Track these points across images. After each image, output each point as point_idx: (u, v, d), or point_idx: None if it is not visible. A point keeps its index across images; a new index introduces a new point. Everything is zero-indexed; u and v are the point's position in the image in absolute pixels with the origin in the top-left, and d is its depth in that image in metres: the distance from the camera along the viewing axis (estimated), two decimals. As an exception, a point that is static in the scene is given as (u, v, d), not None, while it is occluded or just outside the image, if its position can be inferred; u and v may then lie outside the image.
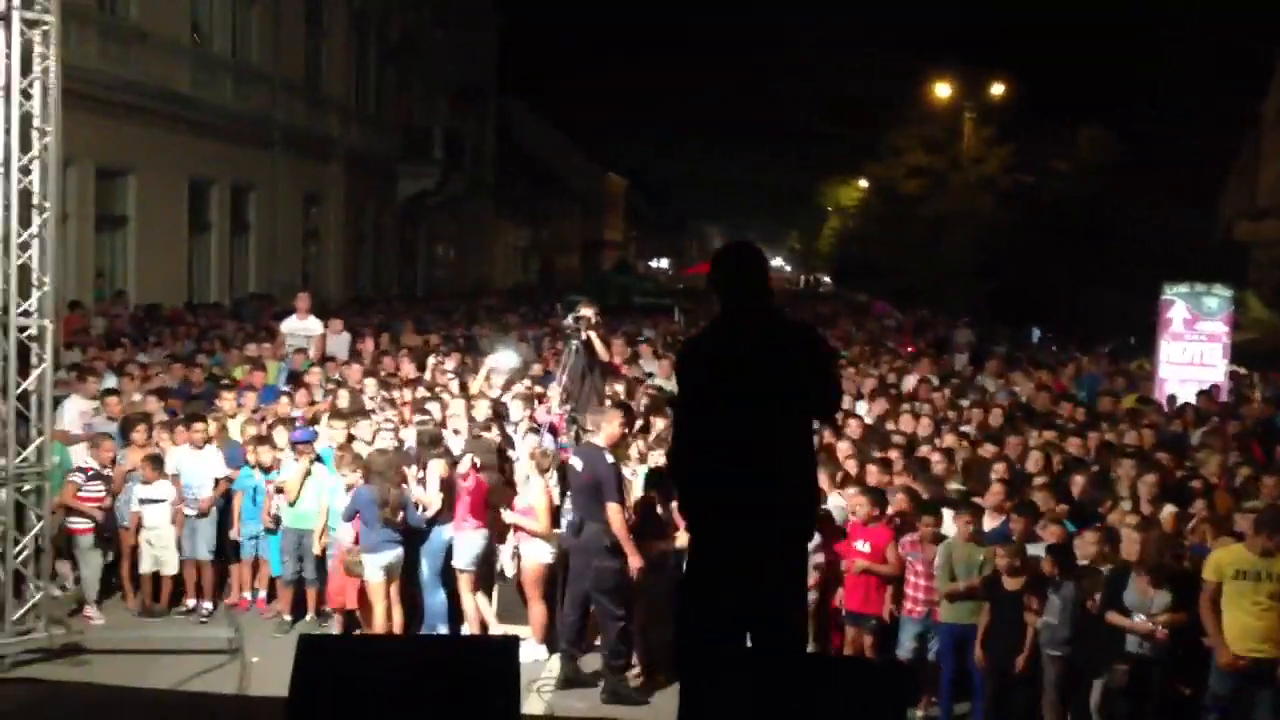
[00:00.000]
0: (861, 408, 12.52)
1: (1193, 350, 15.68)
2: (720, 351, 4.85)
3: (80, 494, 9.60)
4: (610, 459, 8.53)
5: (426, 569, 9.38)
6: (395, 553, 9.01)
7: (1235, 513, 8.35)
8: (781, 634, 4.94)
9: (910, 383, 14.53)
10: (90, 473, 9.69)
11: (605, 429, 8.66)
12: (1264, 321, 24.99)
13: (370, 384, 12.24)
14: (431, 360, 14.06)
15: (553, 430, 11.11)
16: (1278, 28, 39.90)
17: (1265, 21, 37.74)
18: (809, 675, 4.61)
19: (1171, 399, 14.56)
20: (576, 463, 8.62)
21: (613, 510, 8.31)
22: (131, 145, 19.35)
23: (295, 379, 12.69)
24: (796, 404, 4.93)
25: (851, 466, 9.68)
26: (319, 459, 9.85)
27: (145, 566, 9.85)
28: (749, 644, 4.96)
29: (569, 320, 10.96)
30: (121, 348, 13.77)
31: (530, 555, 9.16)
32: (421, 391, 11.96)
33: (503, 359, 12.67)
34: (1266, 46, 41.32)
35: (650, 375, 13.79)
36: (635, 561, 8.36)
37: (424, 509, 9.27)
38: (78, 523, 9.61)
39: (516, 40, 47.37)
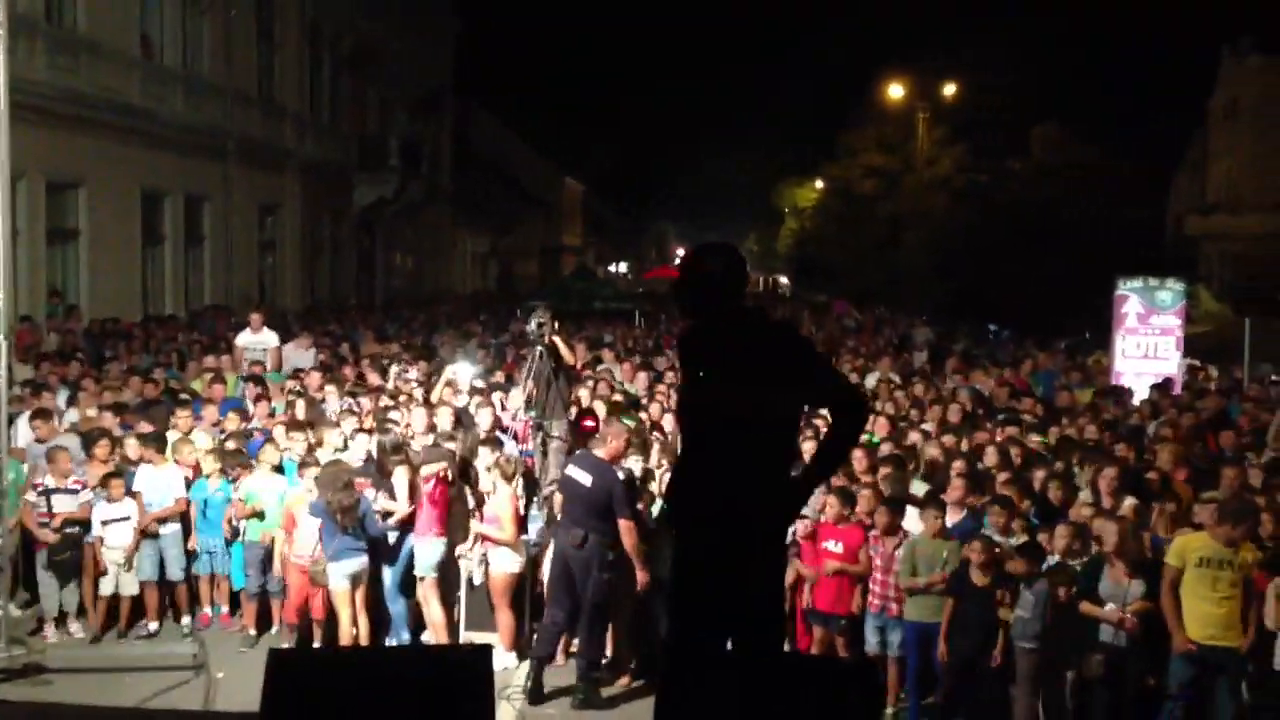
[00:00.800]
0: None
1: (1147, 344, 15.89)
2: (715, 352, 4.85)
3: (43, 511, 9.46)
4: (621, 474, 8.60)
5: (389, 577, 9.33)
6: (359, 561, 8.95)
7: (1194, 504, 8.49)
8: (765, 635, 4.97)
9: (871, 381, 14.63)
10: (40, 488, 9.53)
11: (610, 444, 8.66)
12: (1215, 314, 25.39)
13: (332, 393, 12.18)
14: (394, 369, 14.02)
15: (516, 437, 11.10)
16: (1224, 26, 40.66)
17: (1211, 20, 38.43)
18: (785, 676, 4.63)
19: (1129, 392, 14.74)
20: (581, 475, 8.56)
21: (626, 526, 8.39)
22: (82, 157, 19.10)
23: (259, 383, 12.59)
24: (787, 401, 4.97)
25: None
26: (280, 470, 9.77)
27: (106, 588, 9.67)
28: (731, 644, 4.98)
29: (531, 326, 10.93)
30: (76, 362, 13.58)
31: (497, 564, 9.14)
32: (384, 400, 11.91)
33: (461, 370, 12.65)
34: (1213, 44, 42.09)
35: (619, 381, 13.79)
36: (643, 577, 8.47)
37: (387, 517, 9.22)
38: (38, 539, 9.50)
39: (473, 46, 47.27)
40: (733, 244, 5.19)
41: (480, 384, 12.67)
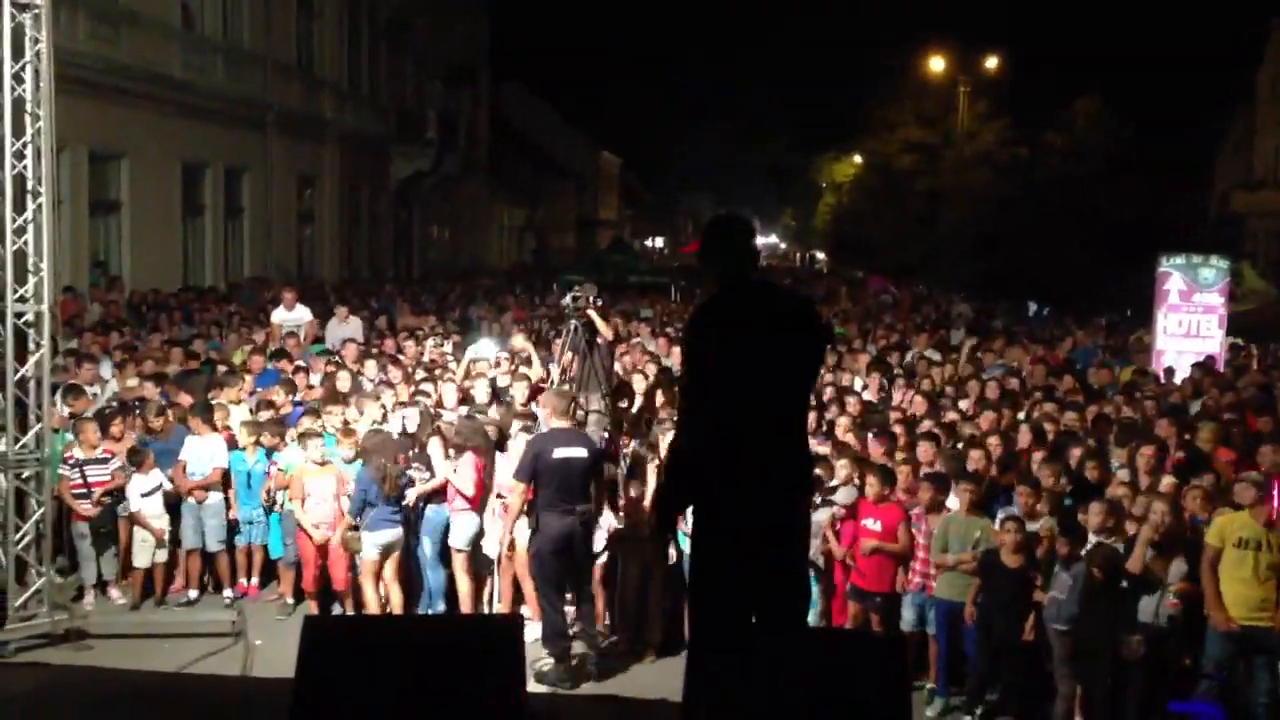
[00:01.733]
0: (859, 384, 12.55)
1: (1189, 322, 15.68)
2: (738, 323, 4.83)
3: (78, 482, 9.60)
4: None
5: (428, 548, 9.42)
6: (394, 532, 9.06)
7: (1235, 483, 8.38)
8: (791, 608, 4.98)
9: (909, 358, 14.55)
10: (72, 460, 9.65)
11: (549, 411, 8.74)
12: (1260, 292, 24.96)
13: (370, 366, 12.26)
14: (430, 343, 14.09)
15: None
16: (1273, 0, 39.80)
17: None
18: (811, 649, 4.63)
19: (1169, 371, 14.57)
20: (574, 451, 8.48)
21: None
22: (124, 129, 19.25)
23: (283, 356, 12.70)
24: (805, 375, 5.02)
25: (852, 442, 9.70)
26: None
27: (143, 560, 9.80)
28: (756, 618, 4.97)
29: (567, 300, 10.94)
30: (118, 333, 13.74)
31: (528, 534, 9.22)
32: (420, 374, 11.97)
33: (484, 349, 12.67)
34: (1261, 18, 41.22)
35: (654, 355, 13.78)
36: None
37: (418, 485, 9.31)
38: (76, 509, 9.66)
39: (509, 19, 47.21)
40: (737, 212, 5.23)
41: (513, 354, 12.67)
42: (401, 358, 13.20)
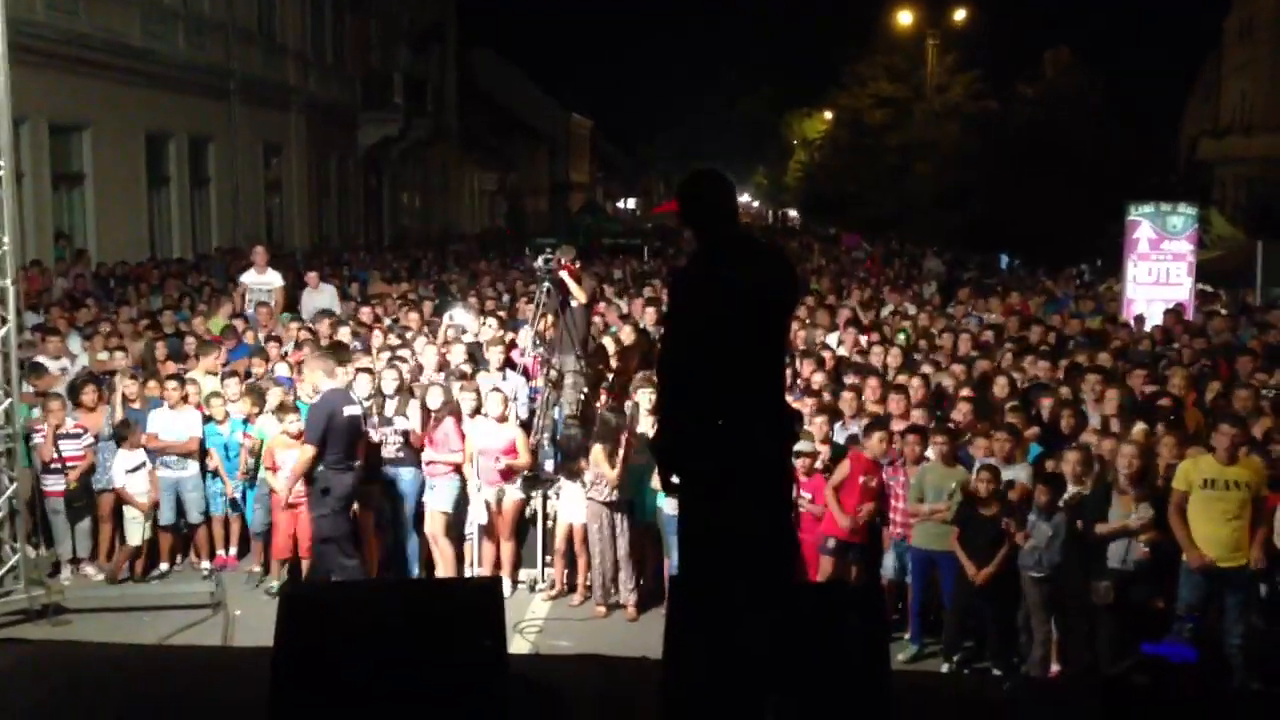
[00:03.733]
0: (834, 339, 12.57)
1: (1159, 269, 15.78)
2: (728, 282, 4.81)
3: (53, 457, 9.52)
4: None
5: (404, 511, 9.44)
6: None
7: (1207, 429, 8.46)
8: (777, 563, 5.01)
9: (884, 314, 14.58)
10: (41, 433, 9.55)
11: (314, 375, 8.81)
12: (1228, 238, 25.12)
13: (344, 334, 12.18)
14: (404, 312, 14.00)
15: (526, 373, 11.11)
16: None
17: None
18: (792, 602, 4.66)
19: (1139, 319, 14.68)
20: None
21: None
22: (85, 100, 18.97)
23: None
24: (783, 327, 5.13)
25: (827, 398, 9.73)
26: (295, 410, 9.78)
27: (134, 538, 9.66)
28: (742, 575, 4.99)
29: (539, 262, 10.90)
30: (86, 308, 13.59)
31: (512, 494, 9.24)
32: (394, 339, 11.91)
33: (460, 317, 12.61)
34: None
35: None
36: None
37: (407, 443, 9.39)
38: (50, 485, 9.57)
39: (474, -20, 46.58)
40: (715, 169, 5.15)
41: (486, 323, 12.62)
42: (376, 326, 13.09)
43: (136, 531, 9.65)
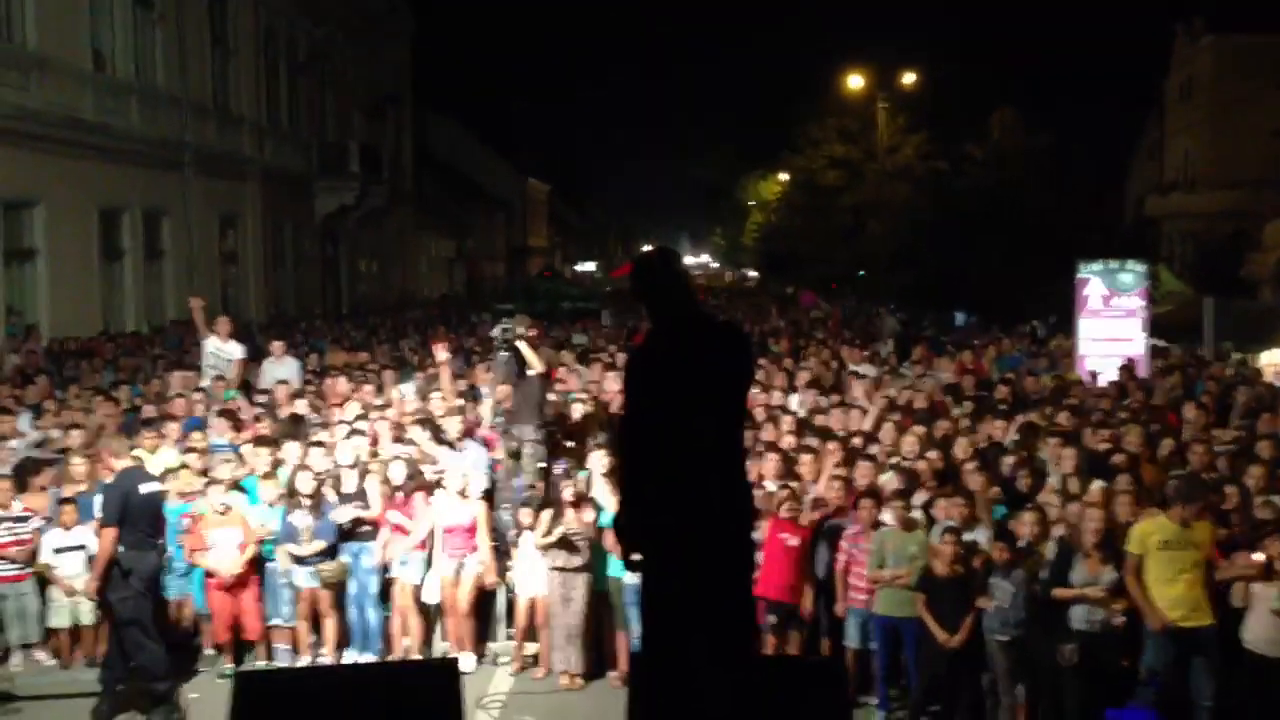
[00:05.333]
0: (794, 401, 12.59)
1: (1111, 326, 15.99)
2: (675, 362, 4.84)
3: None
4: None
5: (367, 588, 9.30)
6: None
7: (1165, 483, 8.52)
8: (741, 637, 4.99)
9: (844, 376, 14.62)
10: None
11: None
12: (1177, 293, 25.60)
13: (301, 406, 12.05)
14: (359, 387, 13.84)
15: (486, 444, 11.04)
16: (1176, 6, 41.01)
17: (1165, 2, 38.75)
18: (755, 676, 4.63)
19: (1094, 375, 14.84)
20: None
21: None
22: (37, 175, 18.87)
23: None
24: (740, 404, 5.12)
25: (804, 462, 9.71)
26: (239, 487, 9.62)
27: (60, 620, 9.34)
28: (706, 648, 4.96)
29: (496, 331, 10.88)
30: (35, 385, 13.36)
31: (471, 568, 9.15)
32: (356, 410, 11.78)
33: (406, 390, 12.56)
34: (1166, 26, 42.42)
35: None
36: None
37: (359, 525, 9.27)
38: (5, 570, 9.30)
39: (430, 48, 47.03)
40: (668, 247, 5.24)
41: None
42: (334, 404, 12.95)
43: (63, 615, 9.30)
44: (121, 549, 8.12)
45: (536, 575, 9.08)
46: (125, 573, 8.12)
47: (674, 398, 4.79)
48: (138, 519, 8.15)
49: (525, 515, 9.20)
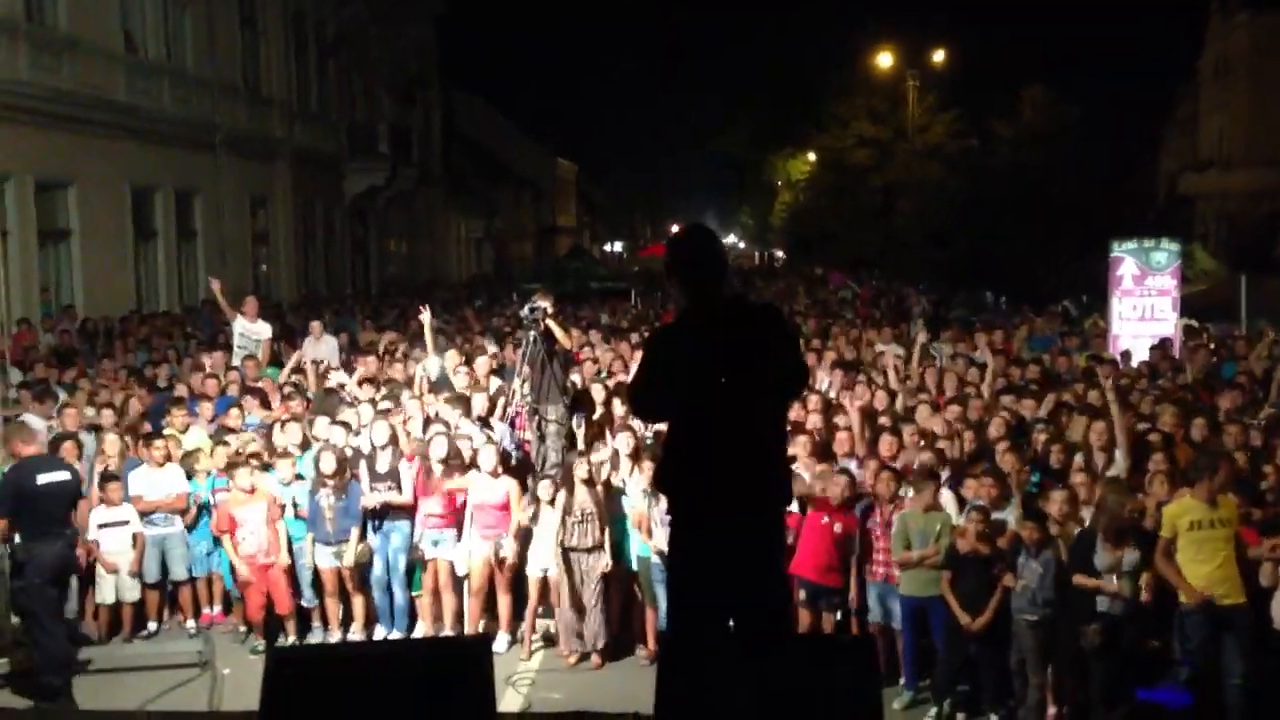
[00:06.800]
0: (823, 381, 12.55)
1: (1144, 305, 15.83)
2: (705, 343, 4.82)
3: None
4: None
5: (396, 566, 9.37)
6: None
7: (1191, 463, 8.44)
8: (774, 616, 5.00)
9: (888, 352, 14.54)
10: None
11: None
12: (1211, 272, 25.33)
13: (338, 377, 12.15)
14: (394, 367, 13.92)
15: (514, 423, 11.07)
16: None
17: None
18: (786, 654, 4.63)
19: (1126, 354, 14.71)
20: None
21: None
22: (70, 156, 19.01)
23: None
24: (776, 386, 5.00)
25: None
26: (267, 469, 9.70)
27: (104, 596, 9.57)
28: (734, 625, 4.98)
29: (525, 310, 10.91)
30: (72, 365, 13.51)
31: (509, 548, 9.18)
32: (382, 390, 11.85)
33: (431, 367, 12.61)
34: (1202, 3, 41.81)
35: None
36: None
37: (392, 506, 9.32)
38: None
39: (457, 28, 47.03)
40: (703, 225, 5.19)
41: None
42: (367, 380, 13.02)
43: (108, 590, 9.51)
44: (17, 539, 8.07)
45: (546, 552, 9.09)
46: (20, 564, 8.08)
47: (697, 378, 4.78)
48: (36, 510, 8.05)
49: (544, 490, 9.22)
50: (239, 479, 9.29)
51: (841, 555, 8.47)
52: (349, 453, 9.59)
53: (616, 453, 9.53)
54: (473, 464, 9.43)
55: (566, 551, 8.89)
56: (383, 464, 9.49)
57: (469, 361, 12.32)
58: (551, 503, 9.07)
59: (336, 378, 12.39)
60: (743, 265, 62.04)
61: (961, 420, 10.10)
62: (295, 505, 9.52)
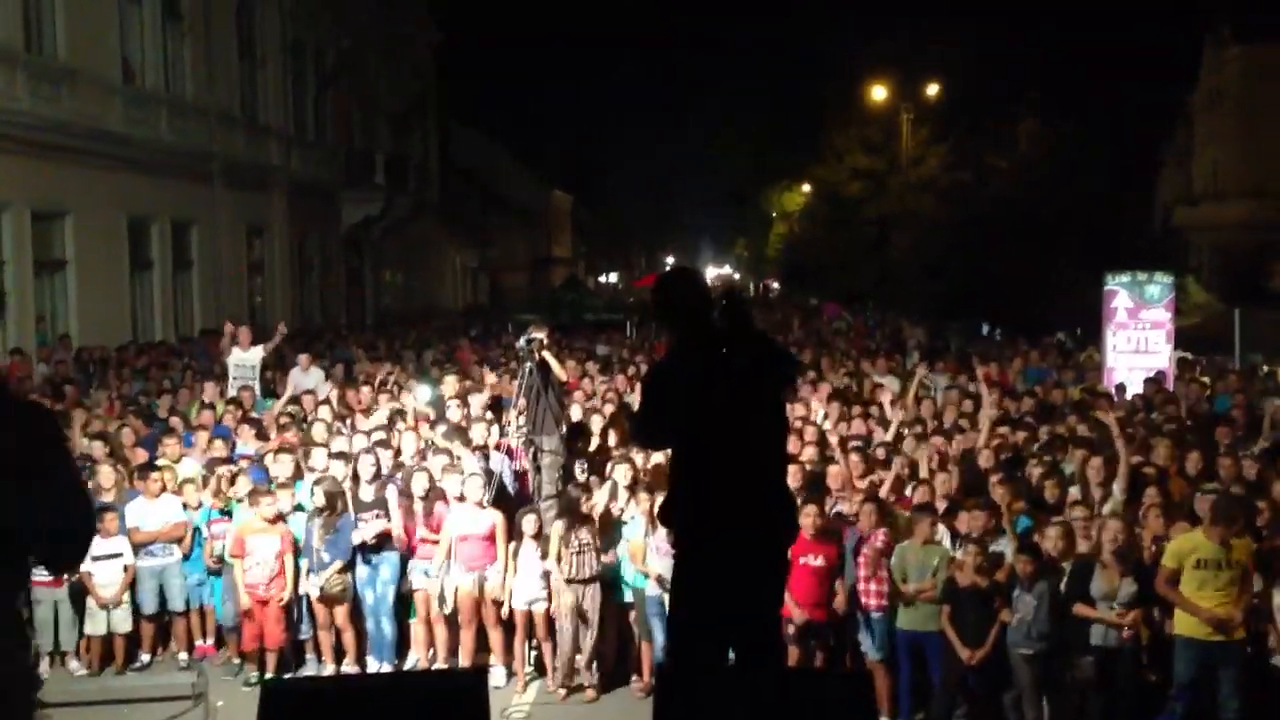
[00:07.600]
0: (818, 414, 12.56)
1: (1138, 338, 15.89)
2: (702, 378, 4.88)
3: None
4: None
5: (384, 598, 9.33)
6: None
7: (1195, 496, 8.46)
8: (771, 647, 5.02)
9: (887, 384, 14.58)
10: None
11: None
12: (1204, 305, 25.42)
13: (325, 414, 12.12)
14: (384, 398, 13.91)
15: (509, 454, 11.07)
16: (1204, 18, 40.75)
17: (1192, 12, 38.51)
18: (783, 688, 4.62)
19: (1120, 387, 14.75)
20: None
21: None
22: (67, 186, 19.05)
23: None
24: (776, 418, 5.12)
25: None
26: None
27: (96, 628, 9.51)
28: (734, 656, 5.00)
29: (521, 342, 10.92)
30: (62, 396, 13.48)
31: (495, 580, 9.14)
32: (376, 421, 11.85)
33: (420, 395, 12.62)
34: (1195, 36, 42.17)
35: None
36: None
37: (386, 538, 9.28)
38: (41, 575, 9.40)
39: (454, 59, 47.21)
40: (689, 267, 5.38)
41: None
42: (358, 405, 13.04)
43: (99, 622, 9.44)
44: None
45: (532, 584, 9.04)
46: None
47: (692, 413, 4.82)
48: None
49: (528, 524, 9.19)
50: (263, 508, 9.24)
51: (826, 589, 8.41)
52: (345, 485, 9.56)
53: (615, 484, 9.51)
54: (458, 499, 9.42)
55: (568, 585, 8.86)
56: (367, 494, 9.47)
57: (465, 396, 12.32)
58: (536, 536, 9.05)
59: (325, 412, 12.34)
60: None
61: (956, 452, 10.11)
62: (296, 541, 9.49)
